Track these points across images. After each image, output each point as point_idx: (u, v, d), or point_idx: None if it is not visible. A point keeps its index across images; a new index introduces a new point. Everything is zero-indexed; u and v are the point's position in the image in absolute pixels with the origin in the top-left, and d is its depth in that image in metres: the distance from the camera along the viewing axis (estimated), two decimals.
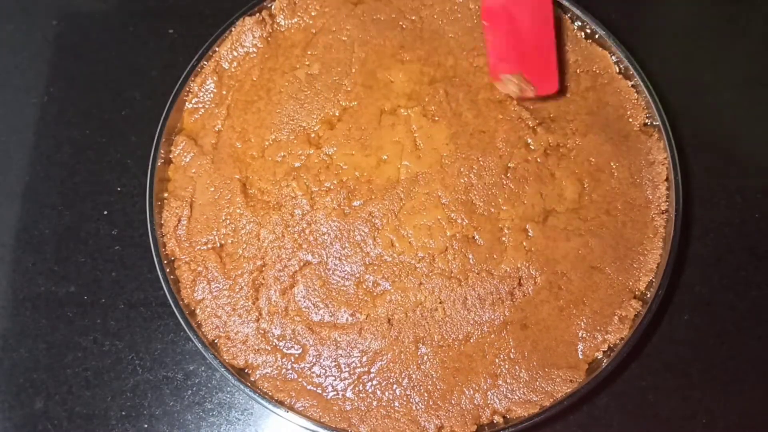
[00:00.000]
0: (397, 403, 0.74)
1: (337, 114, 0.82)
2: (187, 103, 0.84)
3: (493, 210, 0.78)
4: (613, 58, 0.86)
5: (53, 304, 0.87)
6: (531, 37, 0.79)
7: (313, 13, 0.87)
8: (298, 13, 0.87)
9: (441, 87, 0.83)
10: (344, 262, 0.77)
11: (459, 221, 0.78)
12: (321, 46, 0.85)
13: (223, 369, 0.74)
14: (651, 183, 0.82)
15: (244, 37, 0.85)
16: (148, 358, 0.85)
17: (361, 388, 0.75)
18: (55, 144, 0.93)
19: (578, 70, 0.85)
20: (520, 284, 0.77)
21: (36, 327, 0.86)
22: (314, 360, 0.76)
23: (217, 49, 0.85)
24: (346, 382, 0.75)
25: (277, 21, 0.87)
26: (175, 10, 1.00)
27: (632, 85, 0.85)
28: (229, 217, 0.80)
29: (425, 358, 0.75)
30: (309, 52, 0.85)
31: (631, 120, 0.84)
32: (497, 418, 0.74)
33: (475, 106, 0.82)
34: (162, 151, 0.81)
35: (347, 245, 0.77)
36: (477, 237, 0.78)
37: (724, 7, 1.03)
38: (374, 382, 0.75)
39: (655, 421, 0.84)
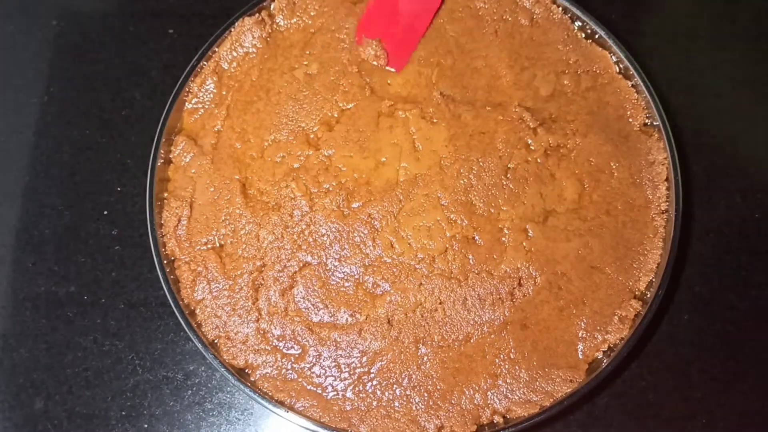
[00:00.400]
0: (397, 403, 0.74)
1: (335, 115, 0.82)
2: (186, 104, 0.84)
3: (492, 211, 0.78)
4: (613, 58, 0.86)
5: (53, 304, 0.87)
6: (406, 19, 0.85)
7: (312, 13, 0.87)
8: (297, 13, 0.87)
9: (438, 89, 0.83)
10: (344, 263, 0.77)
11: (459, 222, 0.78)
12: (319, 46, 0.85)
13: (223, 369, 0.74)
14: (651, 183, 0.81)
15: (244, 38, 0.85)
16: (148, 358, 0.85)
17: (361, 388, 0.75)
18: (55, 144, 0.93)
19: (578, 71, 0.85)
20: (520, 284, 0.77)
21: (36, 327, 0.86)
22: (314, 360, 0.76)
23: (216, 49, 0.85)
24: (346, 382, 0.75)
25: (277, 21, 0.87)
26: (175, 10, 1.00)
27: (632, 85, 0.85)
28: (228, 217, 0.80)
29: (425, 358, 0.75)
30: (307, 52, 0.85)
31: (631, 120, 0.84)
32: (497, 418, 0.74)
33: (473, 108, 0.82)
34: (162, 151, 0.81)
35: (347, 246, 0.77)
36: (477, 237, 0.78)
37: (724, 7, 1.03)
38: (374, 383, 0.75)
39: (655, 421, 0.84)
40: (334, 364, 0.75)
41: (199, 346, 0.75)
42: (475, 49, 0.85)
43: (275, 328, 0.77)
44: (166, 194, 0.82)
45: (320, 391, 0.75)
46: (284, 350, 0.76)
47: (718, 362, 0.86)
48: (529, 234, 0.78)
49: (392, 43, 0.85)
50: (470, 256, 0.77)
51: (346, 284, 0.77)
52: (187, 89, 0.84)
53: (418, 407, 0.74)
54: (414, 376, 0.75)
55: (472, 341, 0.76)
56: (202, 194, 0.81)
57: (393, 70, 0.85)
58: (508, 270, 0.77)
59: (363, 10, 0.86)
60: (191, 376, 0.85)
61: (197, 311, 0.78)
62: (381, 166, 0.80)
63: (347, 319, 0.76)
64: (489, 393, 0.75)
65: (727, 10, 1.03)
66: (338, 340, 0.76)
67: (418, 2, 0.86)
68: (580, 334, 0.76)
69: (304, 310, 0.77)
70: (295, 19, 0.87)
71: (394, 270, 0.77)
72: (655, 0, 1.03)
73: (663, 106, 0.82)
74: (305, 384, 0.75)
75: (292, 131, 0.82)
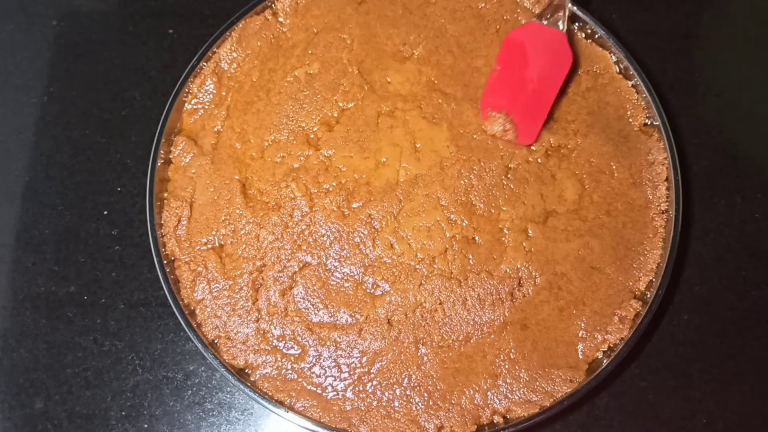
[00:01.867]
0: (397, 404, 0.74)
1: (335, 115, 0.82)
2: (186, 104, 0.84)
3: (493, 211, 0.78)
4: (613, 58, 0.86)
5: (53, 304, 0.87)
6: (535, 85, 0.78)
7: (316, 12, 0.87)
8: (301, 13, 0.87)
9: (438, 88, 0.83)
10: (343, 263, 0.77)
11: (459, 222, 0.78)
12: (321, 45, 0.85)
13: (223, 369, 0.74)
14: (651, 183, 0.81)
15: (245, 38, 0.85)
16: (148, 358, 0.85)
17: (361, 389, 0.75)
18: (55, 144, 0.93)
19: (579, 71, 0.85)
20: (520, 285, 0.77)
21: (36, 327, 0.86)
22: (314, 360, 0.76)
23: (216, 50, 0.85)
24: (346, 382, 0.75)
25: (279, 20, 0.87)
26: (175, 10, 1.00)
27: (632, 85, 0.85)
28: (228, 217, 0.80)
29: (425, 358, 0.75)
30: (310, 52, 0.85)
31: (631, 120, 0.84)
32: (497, 418, 0.74)
33: (474, 108, 0.82)
34: (162, 152, 0.81)
35: (346, 247, 0.77)
36: (477, 238, 0.78)
37: (723, 6, 1.03)
38: (374, 383, 0.75)
39: (655, 421, 0.84)
40: (334, 364, 0.75)
41: (199, 346, 0.75)
42: (476, 49, 0.85)
43: (275, 329, 0.77)
44: (166, 194, 0.82)
45: (320, 391, 0.75)
46: (284, 350, 0.76)
47: (718, 362, 0.86)
48: (530, 234, 0.78)
49: (520, 114, 0.79)
50: (470, 257, 0.77)
51: (346, 284, 0.77)
52: (186, 90, 0.84)
53: (418, 407, 0.74)
54: (414, 377, 0.75)
55: (472, 341, 0.76)
56: (202, 194, 0.81)
57: (526, 144, 0.80)
58: (508, 270, 0.77)
59: (368, 9, 0.86)
60: (191, 376, 0.85)
61: (197, 311, 0.78)
62: (381, 167, 0.80)
63: (347, 319, 0.76)
64: (489, 393, 0.75)
65: (727, 10, 1.03)
66: (338, 340, 0.76)
67: (546, 64, 0.78)
68: (580, 334, 0.76)
69: (304, 310, 0.77)
70: (298, 19, 0.87)
71: (394, 270, 0.77)
72: (655, 0, 1.02)
73: (663, 106, 0.82)
74: (305, 384, 0.75)
75: (292, 131, 0.82)
